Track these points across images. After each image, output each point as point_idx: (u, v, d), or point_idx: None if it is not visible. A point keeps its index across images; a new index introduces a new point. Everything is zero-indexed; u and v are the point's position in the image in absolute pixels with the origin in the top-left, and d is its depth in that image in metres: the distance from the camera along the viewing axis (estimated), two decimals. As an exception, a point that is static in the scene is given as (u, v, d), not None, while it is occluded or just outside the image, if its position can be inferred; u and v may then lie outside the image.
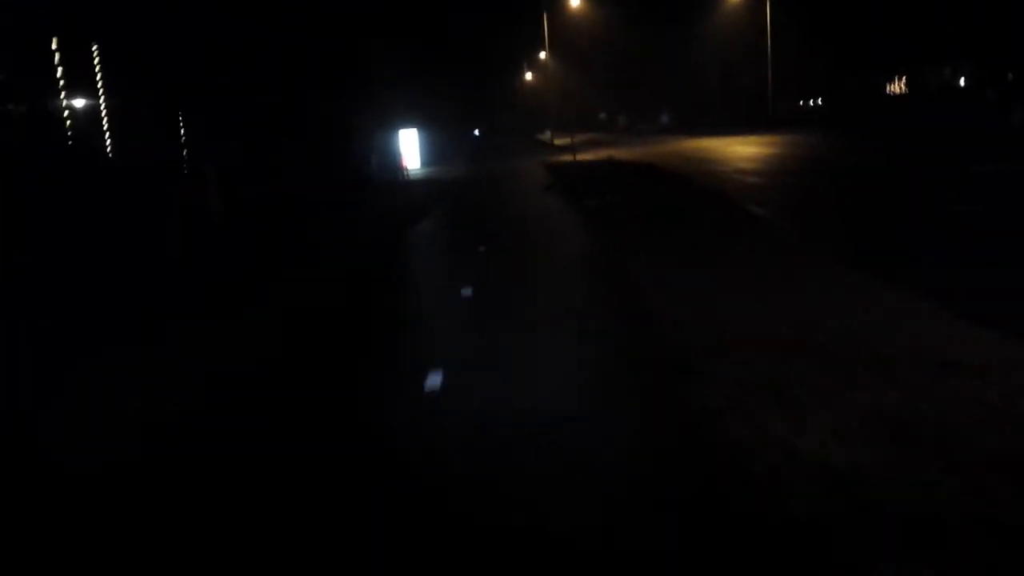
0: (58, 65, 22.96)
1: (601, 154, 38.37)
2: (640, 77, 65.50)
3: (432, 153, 45.75)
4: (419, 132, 42.56)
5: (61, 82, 23.06)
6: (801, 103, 57.58)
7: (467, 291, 9.71)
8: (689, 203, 16.10)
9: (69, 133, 22.97)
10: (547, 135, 64.81)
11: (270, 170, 28.08)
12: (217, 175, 18.24)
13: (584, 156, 35.82)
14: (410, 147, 41.40)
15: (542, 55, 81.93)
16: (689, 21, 56.88)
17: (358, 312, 9.65)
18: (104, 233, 13.91)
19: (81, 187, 17.51)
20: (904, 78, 57.95)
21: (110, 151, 24.63)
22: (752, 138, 39.73)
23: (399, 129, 41.29)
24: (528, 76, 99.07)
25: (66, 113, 23.23)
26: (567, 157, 37.04)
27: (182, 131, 25.32)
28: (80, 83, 23.97)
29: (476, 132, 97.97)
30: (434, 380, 6.27)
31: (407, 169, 39.69)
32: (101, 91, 24.68)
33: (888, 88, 59.05)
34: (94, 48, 24.72)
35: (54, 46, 22.93)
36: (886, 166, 21.46)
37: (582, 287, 9.95)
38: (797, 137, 37.91)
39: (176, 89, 25.66)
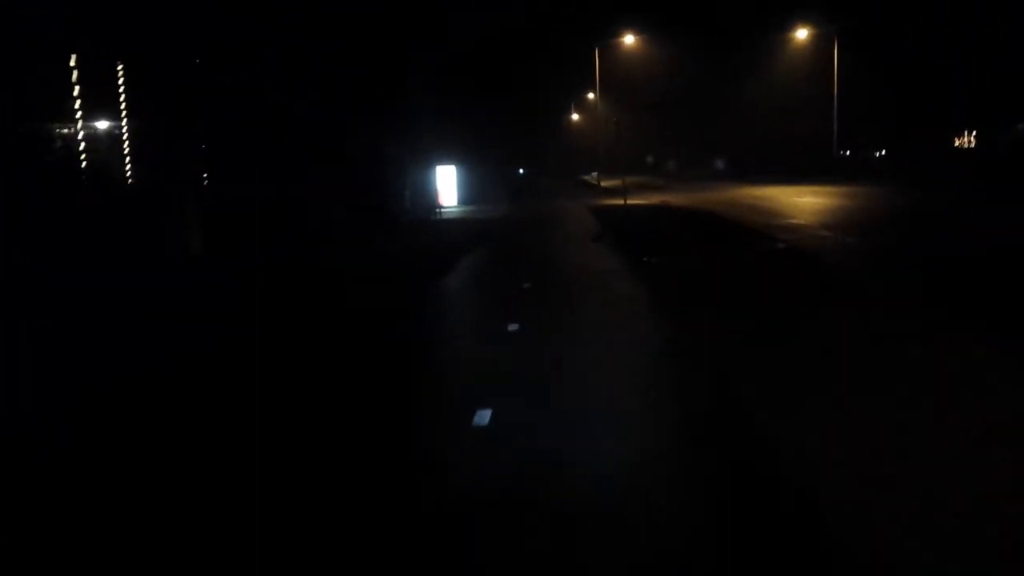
0: (75, 83, 20.42)
1: (652, 199, 35.04)
2: (692, 120, 62.20)
3: (472, 191, 42.84)
4: (458, 169, 39.66)
5: (78, 102, 20.52)
6: (864, 155, 53.82)
7: (482, 416, 5.85)
8: (779, 268, 12.66)
9: (83, 156, 20.26)
10: (593, 176, 61.69)
11: (289, 202, 25.22)
12: (200, 211, 15.19)
13: (635, 200, 32.50)
14: (448, 184, 38.50)
15: (591, 95, 79.60)
16: (747, 63, 53.59)
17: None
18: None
19: (77, 216, 14.65)
20: (974, 132, 54.40)
21: (130, 177, 21.98)
22: (817, 188, 36.13)
23: (436, 165, 38.47)
24: (575, 117, 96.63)
25: (82, 135, 20.63)
26: (616, 201, 33.75)
27: (187, 154, 22.52)
28: (101, 103, 21.46)
29: (521, 171, 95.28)
30: None
31: (441, 207, 36.74)
32: (123, 111, 22.10)
33: (957, 142, 55.40)
34: (118, 67, 22.19)
35: (72, 63, 20.43)
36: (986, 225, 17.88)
37: (667, 437, 5.43)
38: (868, 190, 34.32)
39: (189, 105, 22.96)
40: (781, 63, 50.92)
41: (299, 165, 27.49)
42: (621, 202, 31.35)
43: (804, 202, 28.34)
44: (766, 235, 17.22)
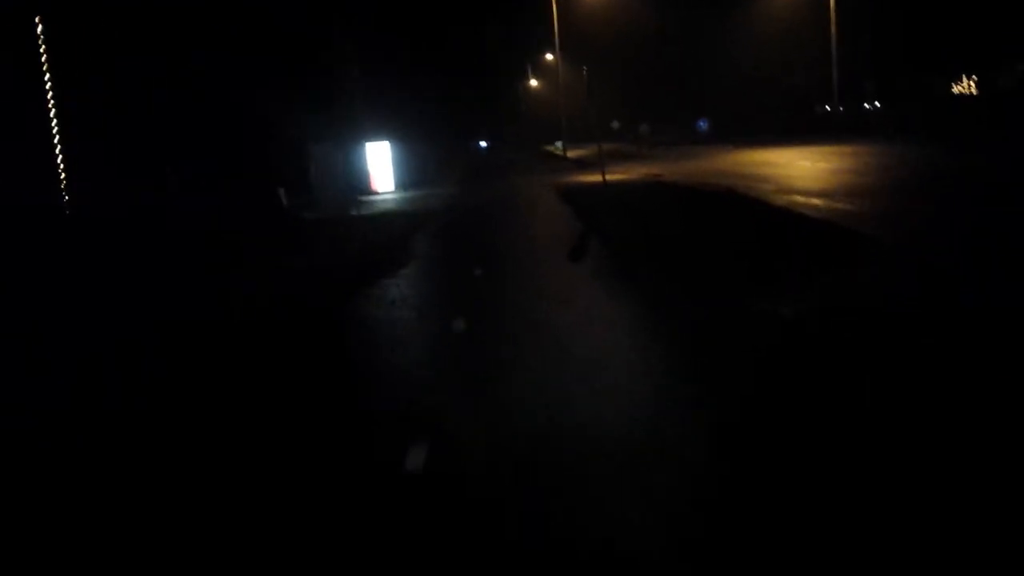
0: None
1: (634, 172, 27.63)
2: (663, 78, 54.52)
3: (416, 171, 35.15)
4: (394, 145, 31.89)
5: None
6: (860, 108, 46.82)
7: None
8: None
9: None
10: (557, 146, 54.03)
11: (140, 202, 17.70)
12: None
13: (616, 175, 25.15)
14: (381, 164, 30.81)
15: (549, 56, 71.61)
16: (724, 9, 46.10)
17: None
18: None
19: None
20: (973, 77, 47.88)
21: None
22: (822, 149, 29.04)
23: (367, 141, 30.72)
24: (533, 83, 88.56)
25: None
26: (590, 177, 26.30)
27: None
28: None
29: (483, 144, 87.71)
30: None
31: (373, 193, 29.05)
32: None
33: (955, 88, 48.89)
34: None
35: None
36: None
37: None
38: (881, 147, 27.43)
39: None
40: (765, 9, 43.54)
41: (160, 151, 19.82)
42: (599, 179, 23.95)
43: (823, 169, 21.20)
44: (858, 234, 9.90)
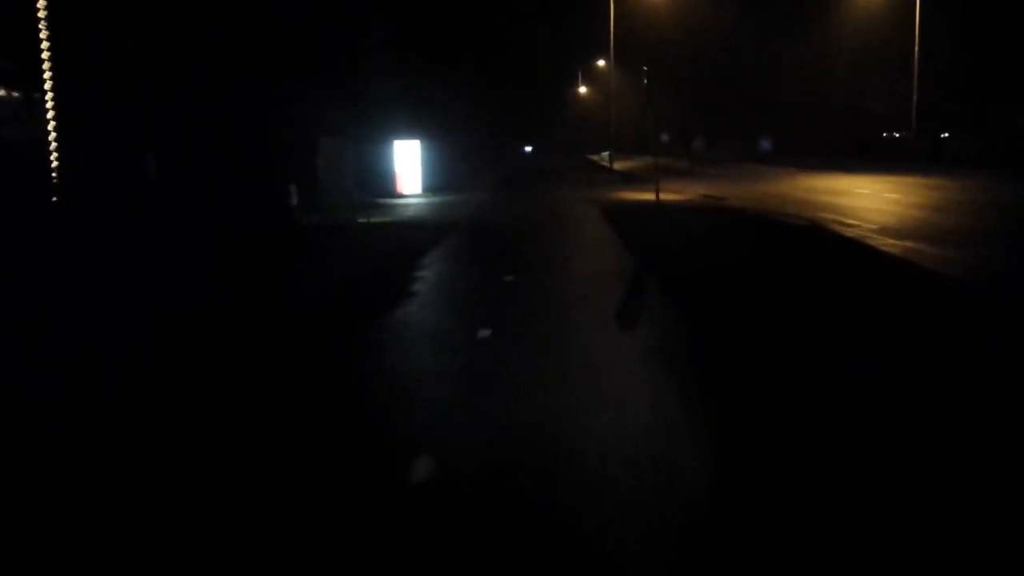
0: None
1: (690, 191, 24.16)
2: (724, 91, 50.68)
3: (450, 173, 32.02)
4: (427, 145, 28.75)
5: None
6: (936, 134, 42.73)
7: None
8: None
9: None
10: (604, 157, 50.59)
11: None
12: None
13: (670, 194, 21.74)
14: (410, 166, 27.70)
15: (601, 63, 68.10)
16: (795, 21, 42.27)
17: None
18: None
19: None
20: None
21: None
22: (901, 180, 25.33)
23: (395, 139, 27.62)
24: (582, 90, 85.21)
25: None
26: (642, 195, 22.92)
27: None
28: None
29: (527, 148, 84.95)
30: None
31: (400, 195, 25.96)
32: None
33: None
34: None
35: None
36: None
37: None
38: (975, 182, 23.72)
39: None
40: (841, 23, 39.65)
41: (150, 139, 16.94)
42: (651, 197, 20.51)
43: (913, 204, 17.53)
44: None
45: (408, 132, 28.27)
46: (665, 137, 73.32)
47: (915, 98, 34.82)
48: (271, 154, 18.73)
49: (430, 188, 27.80)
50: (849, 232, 12.76)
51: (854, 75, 40.46)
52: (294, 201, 22.18)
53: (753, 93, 47.08)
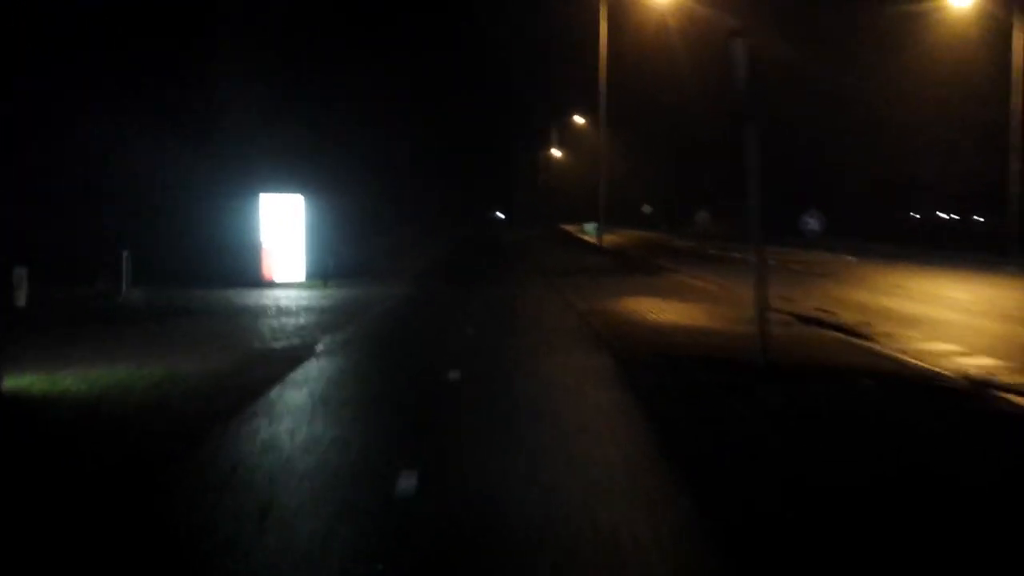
0: None
1: (727, 294, 13.58)
2: (729, 150, 40.75)
3: (367, 249, 21.24)
4: (320, 202, 17.90)
5: None
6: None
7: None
8: None
9: None
10: (588, 230, 40.04)
11: None
12: None
13: (697, 301, 11.12)
14: (285, 235, 16.79)
15: (577, 118, 58.57)
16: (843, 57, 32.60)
17: None
18: None
19: None
20: None
21: None
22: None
23: (264, 192, 16.74)
24: (556, 152, 75.56)
25: None
26: (658, 303, 12.21)
27: None
28: None
29: (500, 215, 76.29)
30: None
31: (267, 282, 14.92)
32: None
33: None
34: None
35: None
36: None
37: None
38: None
39: None
40: (905, 53, 29.93)
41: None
42: (677, 306, 9.76)
43: None
44: None
45: (289, 183, 17.46)
46: (648, 208, 63.51)
47: (1013, 166, 24.88)
48: None
49: (320, 272, 16.83)
50: None
51: (914, 137, 30.83)
52: (21, 300, 11.45)
53: (779, 158, 36.93)
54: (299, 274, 17.10)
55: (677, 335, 9.79)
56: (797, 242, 24.17)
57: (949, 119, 30.61)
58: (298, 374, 7.51)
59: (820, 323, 11.04)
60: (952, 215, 37.17)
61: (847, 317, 11.77)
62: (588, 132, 53.53)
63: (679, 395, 6.63)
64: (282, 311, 12.26)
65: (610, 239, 32.51)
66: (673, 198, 61.51)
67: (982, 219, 35.96)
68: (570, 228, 53.25)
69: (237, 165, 17.62)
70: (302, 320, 11.16)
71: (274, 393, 6.69)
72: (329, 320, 11.24)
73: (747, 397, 6.40)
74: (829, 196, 30.60)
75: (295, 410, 6.12)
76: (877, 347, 9.32)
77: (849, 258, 24.81)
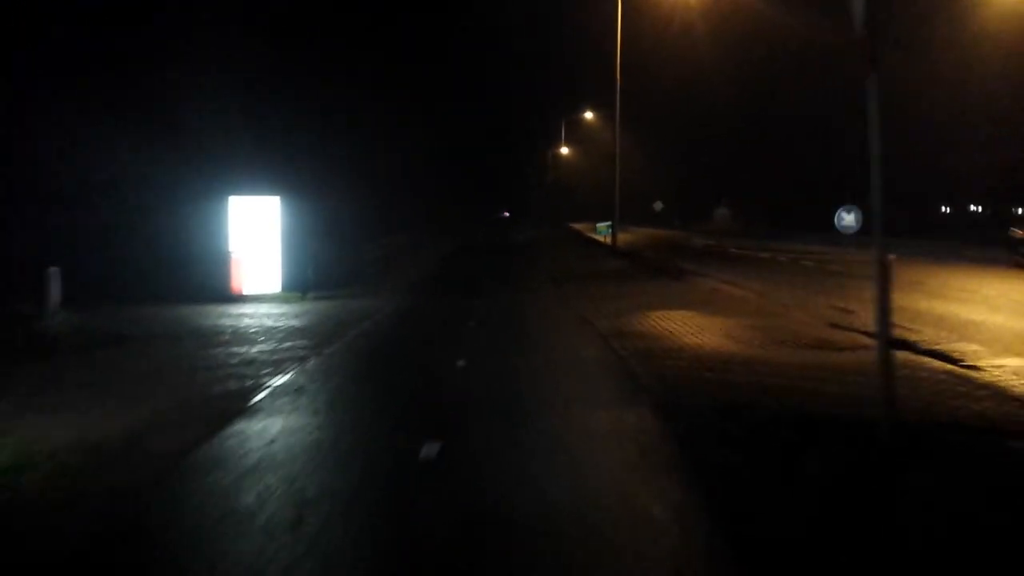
0: None
1: (782, 308, 11.26)
2: (755, 141, 38.14)
3: (357, 257, 19.00)
4: (300, 204, 15.66)
5: None
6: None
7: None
8: None
9: None
10: (600, 229, 37.58)
11: None
12: None
13: (753, 315, 8.93)
14: (257, 241, 14.58)
15: (588, 114, 56.17)
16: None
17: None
18: None
19: None
20: None
21: None
22: None
23: (231, 195, 14.52)
24: (564, 150, 73.23)
25: None
26: (704, 326, 9.95)
27: None
28: None
29: (506, 214, 74.99)
30: None
31: (237, 295, 12.71)
32: None
33: None
34: None
35: None
36: None
37: None
38: None
39: None
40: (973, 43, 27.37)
41: None
42: (730, 332, 7.55)
43: None
44: None
45: (266, 184, 15.20)
46: (659, 205, 61.00)
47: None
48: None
49: (299, 284, 14.59)
50: None
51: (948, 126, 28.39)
52: None
53: (799, 152, 34.46)
54: (274, 285, 14.88)
55: (735, 369, 7.46)
56: (826, 239, 21.79)
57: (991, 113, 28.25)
58: (213, 447, 5.24)
59: (907, 345, 8.71)
60: (986, 208, 34.83)
61: (929, 334, 9.45)
62: (597, 128, 51.19)
63: (784, 501, 4.27)
64: (238, 335, 10.00)
65: (624, 238, 30.10)
66: (687, 194, 58.97)
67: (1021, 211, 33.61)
68: (580, 227, 50.86)
69: (205, 164, 15.38)
70: (254, 350, 8.90)
71: (155, 491, 4.42)
72: (287, 349, 8.97)
73: (889, 498, 4.08)
74: (864, 191, 28.19)
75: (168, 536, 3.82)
76: (988, 378, 7.03)
77: (889, 255, 22.37)
